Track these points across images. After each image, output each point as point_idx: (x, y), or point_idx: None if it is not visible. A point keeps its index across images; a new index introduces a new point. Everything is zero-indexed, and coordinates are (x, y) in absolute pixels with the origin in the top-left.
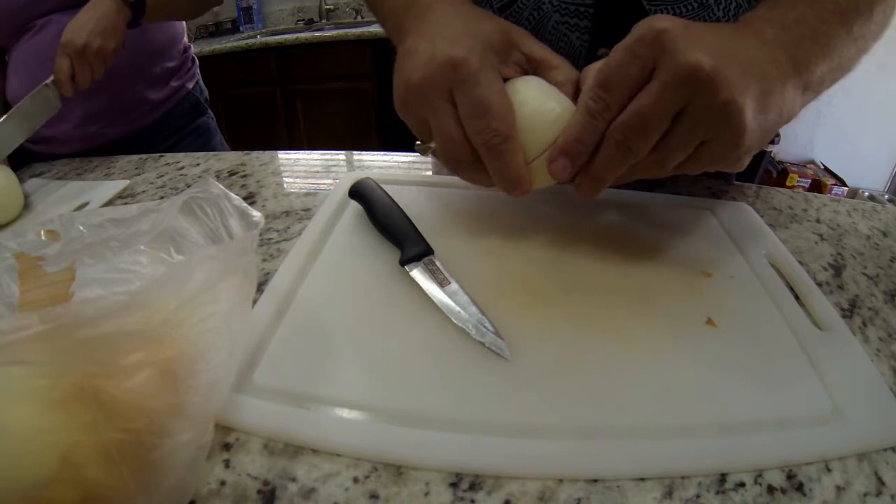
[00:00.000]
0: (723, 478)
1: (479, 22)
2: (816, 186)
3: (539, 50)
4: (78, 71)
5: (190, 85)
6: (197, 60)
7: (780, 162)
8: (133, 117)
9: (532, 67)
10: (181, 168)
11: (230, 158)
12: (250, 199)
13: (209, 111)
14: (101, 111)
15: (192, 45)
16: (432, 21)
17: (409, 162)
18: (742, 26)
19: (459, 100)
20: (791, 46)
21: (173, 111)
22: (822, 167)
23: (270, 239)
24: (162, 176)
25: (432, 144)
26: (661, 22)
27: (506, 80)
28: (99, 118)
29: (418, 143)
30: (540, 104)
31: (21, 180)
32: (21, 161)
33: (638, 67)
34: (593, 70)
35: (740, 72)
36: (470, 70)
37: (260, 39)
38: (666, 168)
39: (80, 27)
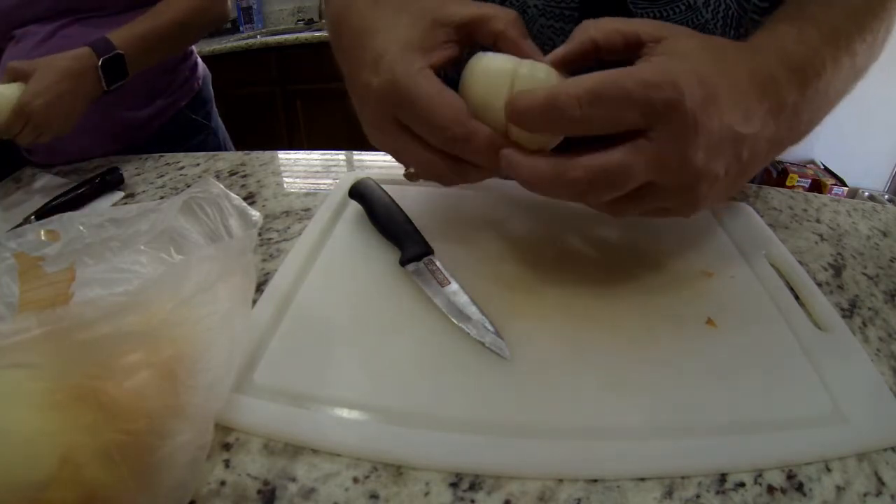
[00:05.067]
0: (723, 478)
1: (397, 24)
2: (816, 186)
3: (464, 11)
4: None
5: (184, 101)
6: (202, 68)
7: (780, 162)
8: (106, 142)
9: (467, 33)
10: (181, 168)
11: (230, 158)
12: (250, 199)
13: (210, 125)
14: (71, 134)
15: (194, 51)
16: (365, 44)
17: None
18: (763, 81)
19: (407, 122)
20: (801, 110)
21: (162, 133)
22: (822, 167)
23: (270, 239)
24: (162, 176)
25: (412, 169)
26: (687, 82)
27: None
28: (71, 141)
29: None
30: (486, 79)
31: (21, 179)
32: (17, 165)
33: (638, 113)
34: (598, 31)
35: (733, 157)
36: (397, 90)
37: (260, 39)
38: (612, 213)
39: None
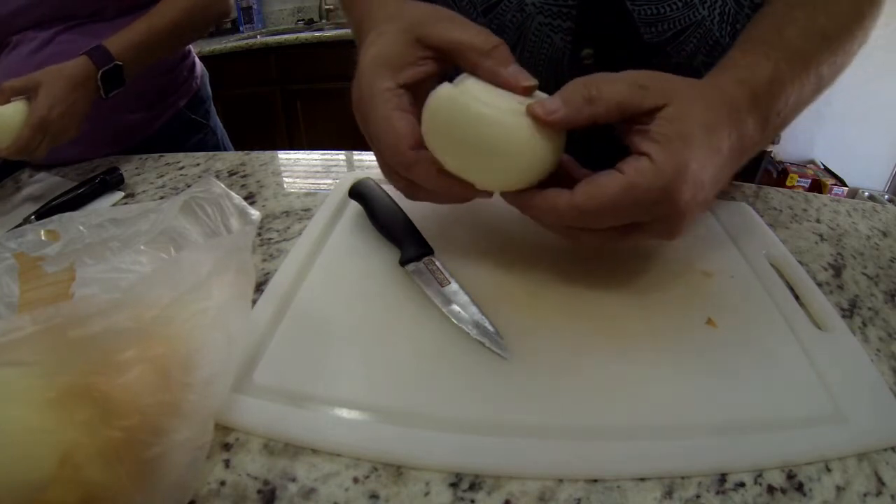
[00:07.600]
0: (723, 478)
1: (387, 34)
2: (816, 186)
3: (444, 36)
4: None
5: (182, 102)
6: (199, 67)
7: (780, 162)
8: (106, 144)
9: (444, 55)
10: (181, 168)
11: (230, 158)
12: (250, 199)
13: (208, 125)
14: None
15: (192, 51)
16: (360, 47)
17: None
18: (731, 123)
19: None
20: (766, 130)
21: (161, 134)
22: (822, 167)
23: (270, 239)
24: (162, 176)
25: None
26: (683, 183)
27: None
28: (71, 144)
29: None
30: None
31: (21, 179)
32: (17, 165)
33: (643, 215)
34: (600, 107)
35: (703, 210)
36: (359, 107)
37: (260, 39)
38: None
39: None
